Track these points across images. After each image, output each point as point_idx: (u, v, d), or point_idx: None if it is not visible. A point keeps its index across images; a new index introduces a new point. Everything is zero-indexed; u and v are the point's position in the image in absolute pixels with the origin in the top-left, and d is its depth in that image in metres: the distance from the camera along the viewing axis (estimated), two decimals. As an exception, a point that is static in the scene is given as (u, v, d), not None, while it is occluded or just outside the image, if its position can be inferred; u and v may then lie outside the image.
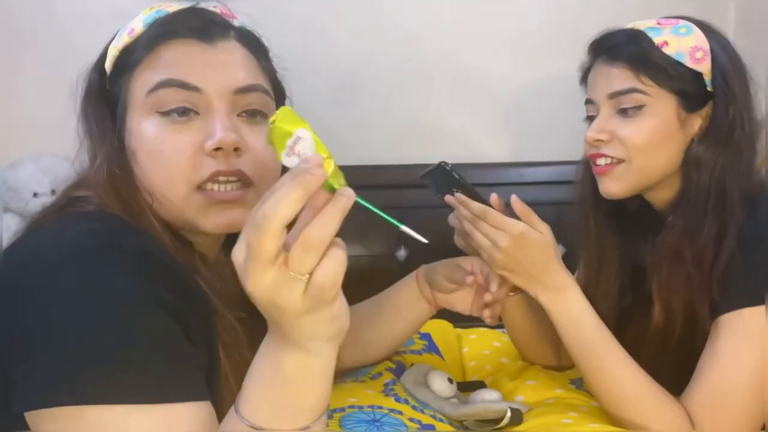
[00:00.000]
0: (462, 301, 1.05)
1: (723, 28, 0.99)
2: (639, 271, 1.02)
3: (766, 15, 1.51)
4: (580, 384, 1.09)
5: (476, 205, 0.94)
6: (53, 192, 1.43)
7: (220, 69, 0.75)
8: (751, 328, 0.84)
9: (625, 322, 1.03)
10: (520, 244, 0.92)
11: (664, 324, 0.96)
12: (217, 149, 0.72)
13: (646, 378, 0.90)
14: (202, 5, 0.80)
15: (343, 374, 1.09)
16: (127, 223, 0.71)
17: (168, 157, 0.72)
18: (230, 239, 0.80)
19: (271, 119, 0.55)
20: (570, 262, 0.98)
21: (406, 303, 1.08)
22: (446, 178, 0.96)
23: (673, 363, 0.95)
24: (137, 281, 0.63)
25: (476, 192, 0.96)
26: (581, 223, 1.09)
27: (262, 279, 0.50)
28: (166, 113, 0.73)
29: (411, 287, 1.08)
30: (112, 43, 0.79)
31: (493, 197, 0.96)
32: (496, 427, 0.93)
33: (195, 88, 0.73)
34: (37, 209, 1.38)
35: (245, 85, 0.76)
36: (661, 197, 1.00)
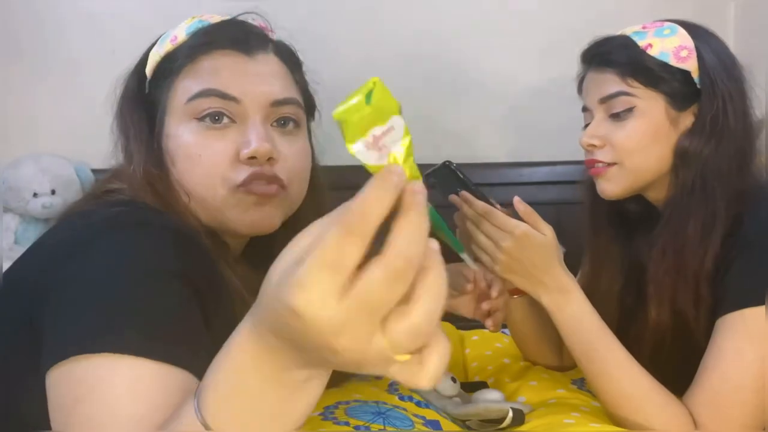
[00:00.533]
0: (465, 306, 1.06)
1: (723, 28, 1.00)
2: (640, 271, 1.02)
3: (766, 15, 1.51)
4: (581, 384, 1.09)
5: (480, 205, 0.94)
6: (53, 192, 1.43)
7: (259, 80, 0.79)
8: (754, 327, 0.84)
9: (627, 323, 1.03)
10: (522, 245, 0.92)
11: (658, 323, 0.96)
12: (252, 158, 0.75)
13: (648, 378, 0.90)
14: (242, 18, 0.83)
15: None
16: (157, 209, 0.74)
17: (206, 161, 0.76)
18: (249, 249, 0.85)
19: (364, 91, 0.42)
20: (570, 262, 0.98)
21: None
22: (451, 177, 0.96)
23: (674, 362, 0.95)
24: (167, 254, 0.65)
25: (480, 192, 0.96)
26: (585, 223, 1.10)
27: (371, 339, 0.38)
28: (201, 118, 0.76)
29: None
30: (154, 50, 0.82)
31: (516, 200, 0.95)
32: (499, 427, 0.93)
33: (233, 98, 0.76)
34: (38, 209, 1.41)
35: (281, 98, 0.80)
36: (659, 196, 1.00)
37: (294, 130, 0.82)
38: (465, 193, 0.95)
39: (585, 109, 1.03)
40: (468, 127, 1.62)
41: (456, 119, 1.62)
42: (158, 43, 0.82)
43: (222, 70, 0.77)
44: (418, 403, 0.96)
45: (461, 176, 0.96)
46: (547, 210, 1.53)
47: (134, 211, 0.71)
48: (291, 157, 0.80)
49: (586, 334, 0.93)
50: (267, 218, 0.78)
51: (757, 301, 0.84)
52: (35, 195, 1.43)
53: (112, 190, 0.77)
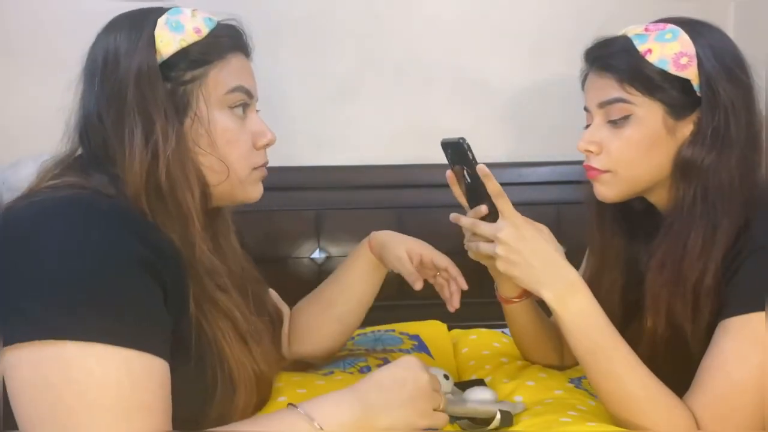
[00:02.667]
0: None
1: (723, 28, 0.99)
2: (641, 272, 1.01)
3: (766, 15, 1.51)
4: (578, 383, 1.09)
5: (466, 220, 0.96)
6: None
7: (254, 80, 0.93)
8: (759, 332, 0.84)
9: (627, 323, 1.02)
10: (521, 233, 0.90)
11: (653, 333, 0.95)
12: (266, 146, 0.92)
13: (652, 378, 0.88)
14: (234, 23, 0.93)
15: (327, 363, 1.12)
16: (107, 196, 0.78)
17: (243, 145, 0.89)
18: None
19: None
20: (570, 262, 0.98)
21: (364, 275, 1.15)
22: (461, 153, 0.95)
23: (668, 367, 0.94)
24: (121, 237, 0.72)
25: (478, 177, 0.93)
26: (588, 221, 1.09)
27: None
28: (233, 108, 0.88)
29: (366, 259, 1.14)
30: (167, 33, 0.84)
31: (482, 168, 0.93)
32: (487, 428, 0.93)
33: (252, 97, 0.91)
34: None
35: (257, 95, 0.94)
36: (660, 199, 1.00)
37: None
38: (462, 219, 0.97)
39: (586, 109, 1.01)
40: (468, 127, 1.61)
41: (456, 119, 1.61)
42: (169, 27, 0.85)
43: (242, 71, 0.90)
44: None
45: (470, 156, 0.94)
46: (547, 210, 1.54)
47: (86, 195, 0.76)
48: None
49: (592, 331, 0.90)
50: (261, 192, 0.95)
51: (763, 306, 0.84)
52: (36, 195, 1.43)
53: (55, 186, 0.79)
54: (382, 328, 1.37)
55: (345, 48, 1.60)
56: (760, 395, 0.84)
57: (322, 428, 0.72)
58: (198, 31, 0.87)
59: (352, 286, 1.14)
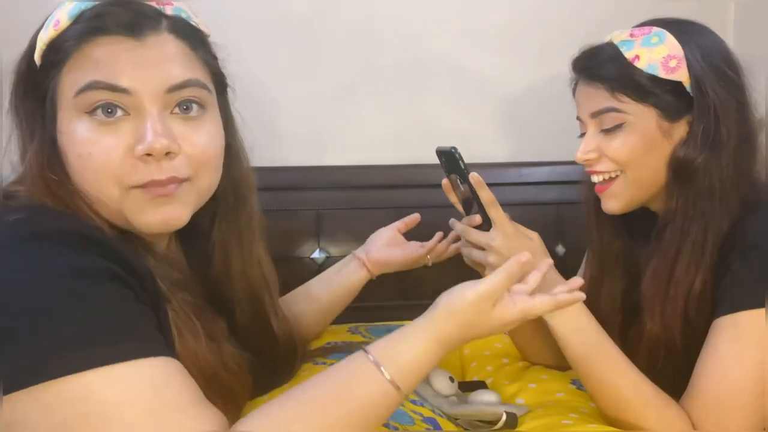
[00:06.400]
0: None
1: (723, 28, 0.99)
2: (641, 275, 1.01)
3: (766, 15, 1.51)
4: (580, 385, 1.09)
5: (460, 226, 0.97)
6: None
7: (151, 67, 0.71)
8: (753, 331, 0.84)
9: (628, 325, 1.02)
10: (512, 242, 0.91)
11: (651, 336, 0.95)
12: (148, 154, 0.70)
13: (647, 383, 0.89)
14: None
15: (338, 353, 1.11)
16: (60, 211, 0.69)
17: (97, 160, 0.70)
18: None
19: None
20: (570, 261, 0.98)
21: (354, 288, 1.16)
22: (453, 161, 0.95)
23: (668, 370, 0.94)
24: (75, 256, 0.63)
25: (472, 186, 0.94)
26: (587, 225, 1.09)
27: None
28: (92, 112, 0.70)
29: (359, 277, 1.16)
30: (40, 34, 0.74)
31: (474, 176, 0.93)
32: (493, 429, 0.93)
33: (124, 90, 0.70)
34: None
35: (179, 82, 0.73)
36: (659, 207, 1.00)
37: (199, 114, 0.75)
38: (457, 225, 0.98)
39: (579, 119, 1.02)
40: (468, 127, 1.62)
41: (456, 119, 1.61)
42: (44, 26, 0.74)
43: (109, 60, 0.70)
44: (413, 402, 0.96)
45: (462, 166, 0.94)
46: (547, 210, 1.54)
47: (32, 220, 0.67)
48: (197, 146, 0.74)
49: (585, 338, 0.91)
50: (167, 216, 0.73)
51: (755, 304, 0.84)
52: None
53: (11, 194, 0.72)
54: (394, 323, 1.36)
55: (345, 48, 1.60)
56: (756, 395, 0.84)
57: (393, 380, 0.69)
58: (56, 24, 0.72)
59: (338, 292, 1.16)
